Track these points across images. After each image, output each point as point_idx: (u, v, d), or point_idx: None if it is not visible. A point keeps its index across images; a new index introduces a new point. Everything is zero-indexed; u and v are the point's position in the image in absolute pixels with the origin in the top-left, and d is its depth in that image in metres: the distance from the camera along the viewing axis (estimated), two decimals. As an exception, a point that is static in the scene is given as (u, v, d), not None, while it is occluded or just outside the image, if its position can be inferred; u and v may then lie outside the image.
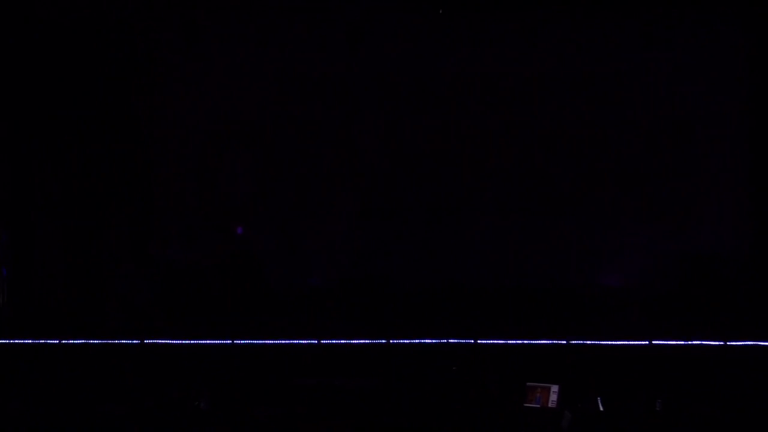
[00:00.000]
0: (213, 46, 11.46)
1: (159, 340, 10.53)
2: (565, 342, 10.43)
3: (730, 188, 11.35)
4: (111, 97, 11.45)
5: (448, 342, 10.41)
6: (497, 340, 10.47)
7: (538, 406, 9.23)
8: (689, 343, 10.38)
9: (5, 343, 10.47)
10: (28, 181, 11.32)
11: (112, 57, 11.44)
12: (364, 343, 10.53)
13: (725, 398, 9.34)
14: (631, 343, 10.44)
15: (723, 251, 11.36)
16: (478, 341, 10.43)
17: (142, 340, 10.47)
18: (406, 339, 10.50)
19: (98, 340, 10.46)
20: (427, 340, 10.46)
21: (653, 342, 10.42)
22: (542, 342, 10.45)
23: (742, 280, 11.25)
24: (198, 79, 11.55)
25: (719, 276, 11.30)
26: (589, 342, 10.45)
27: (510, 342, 10.45)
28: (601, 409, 9.04)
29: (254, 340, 10.54)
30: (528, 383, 9.32)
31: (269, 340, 10.54)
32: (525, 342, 10.45)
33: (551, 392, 9.27)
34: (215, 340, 10.53)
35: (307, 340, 10.54)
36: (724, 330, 10.46)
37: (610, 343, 10.44)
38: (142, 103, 11.61)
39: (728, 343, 10.30)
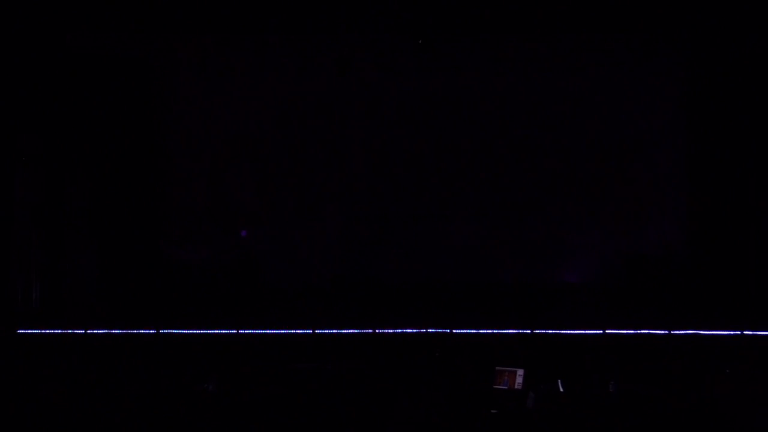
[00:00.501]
0: (220, 74, 11.83)
1: (172, 329, 10.68)
2: (529, 331, 10.65)
3: (671, 197, 11.79)
4: (133, 118, 11.82)
5: (427, 331, 10.66)
6: (470, 329, 10.67)
7: (506, 387, 9.34)
8: (638, 332, 10.62)
9: (37, 333, 10.66)
10: (60, 190, 11.54)
11: (135, 84, 11.79)
12: (353, 332, 10.70)
13: (670, 380, 9.49)
14: (587, 332, 10.64)
15: (666, 251, 11.72)
16: (454, 330, 10.67)
17: (158, 329, 10.66)
18: (390, 329, 10.71)
19: (119, 330, 10.64)
20: (408, 330, 10.68)
21: (607, 331, 10.65)
22: (509, 331, 10.66)
23: (682, 277, 11.62)
24: (207, 103, 11.92)
25: (663, 273, 11.64)
26: (550, 331, 10.65)
27: (481, 331, 10.65)
28: (561, 390, 9.14)
29: (256, 330, 10.72)
30: (497, 367, 9.44)
31: (269, 330, 10.72)
32: (494, 331, 10.64)
33: (517, 375, 9.37)
34: (222, 330, 10.71)
35: (302, 330, 10.71)
36: (668, 320, 10.71)
37: (569, 332, 10.65)
38: (160, 124, 11.97)
39: (672, 332, 10.55)
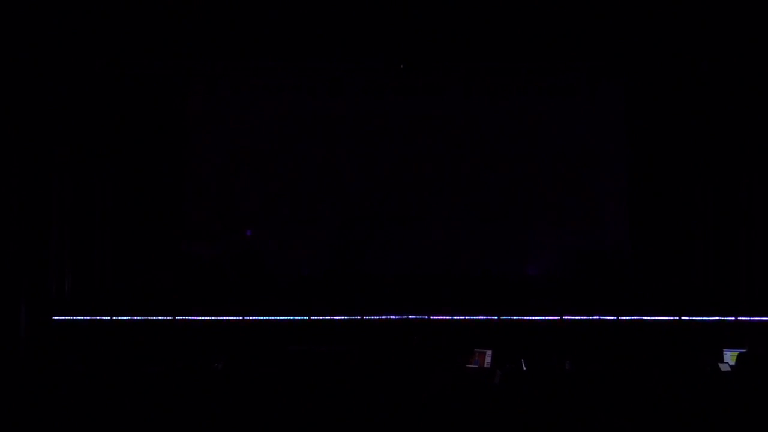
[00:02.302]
0: (229, 94, 12.15)
1: (186, 316, 10.88)
2: (496, 317, 10.86)
3: (616, 201, 12.20)
4: (153, 132, 12.11)
5: (408, 318, 10.87)
6: (445, 316, 10.90)
7: (477, 366, 9.61)
8: (590, 318, 10.84)
9: (69, 319, 10.89)
10: (89, 195, 11.76)
11: (155, 102, 12.08)
12: (343, 318, 10.89)
13: (618, 359, 9.65)
14: (546, 318, 10.86)
15: (613, 248, 12.13)
16: (431, 317, 10.87)
17: (174, 316, 10.86)
18: (376, 316, 10.90)
19: (140, 316, 10.87)
20: (392, 316, 10.87)
21: (563, 317, 10.86)
22: (479, 317, 10.88)
23: (627, 270, 12.01)
24: (218, 119, 12.24)
25: (611, 266, 12.02)
26: (515, 317, 10.86)
27: (455, 317, 10.89)
28: (524, 368, 9.37)
29: (259, 316, 10.91)
30: (469, 349, 9.65)
31: (270, 316, 10.92)
32: (466, 317, 10.87)
33: (486, 356, 9.66)
34: (229, 316, 10.89)
35: (299, 316, 10.92)
36: (616, 307, 11.02)
37: (530, 318, 10.87)
38: (177, 138, 12.23)
39: (620, 317, 10.83)
